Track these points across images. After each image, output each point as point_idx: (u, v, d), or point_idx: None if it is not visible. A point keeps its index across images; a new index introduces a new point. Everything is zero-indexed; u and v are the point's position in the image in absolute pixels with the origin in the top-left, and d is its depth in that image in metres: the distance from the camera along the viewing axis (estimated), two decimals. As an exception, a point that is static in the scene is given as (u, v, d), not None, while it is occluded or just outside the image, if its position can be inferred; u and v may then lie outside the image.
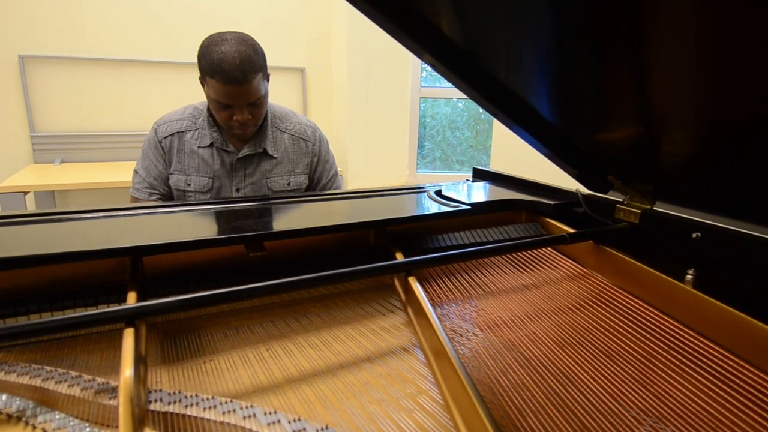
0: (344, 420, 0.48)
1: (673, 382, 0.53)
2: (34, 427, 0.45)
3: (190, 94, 2.42)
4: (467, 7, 0.63)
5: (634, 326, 0.63)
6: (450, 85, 0.76)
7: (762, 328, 0.53)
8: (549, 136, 0.83)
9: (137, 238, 0.68)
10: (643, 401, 0.50)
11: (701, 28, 0.47)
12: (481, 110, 2.76)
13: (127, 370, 0.44)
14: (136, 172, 1.34)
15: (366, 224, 0.79)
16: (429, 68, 2.25)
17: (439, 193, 0.99)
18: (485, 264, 0.81)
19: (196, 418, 0.45)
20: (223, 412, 0.45)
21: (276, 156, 1.36)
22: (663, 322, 0.63)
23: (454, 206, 0.89)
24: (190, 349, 0.59)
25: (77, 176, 2.44)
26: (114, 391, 0.47)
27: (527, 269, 0.80)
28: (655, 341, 0.60)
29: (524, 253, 0.83)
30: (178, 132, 1.31)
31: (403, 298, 0.71)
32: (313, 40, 3.27)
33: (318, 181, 1.46)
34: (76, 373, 0.50)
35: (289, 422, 0.44)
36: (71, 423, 0.45)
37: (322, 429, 0.44)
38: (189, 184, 1.31)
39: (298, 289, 0.69)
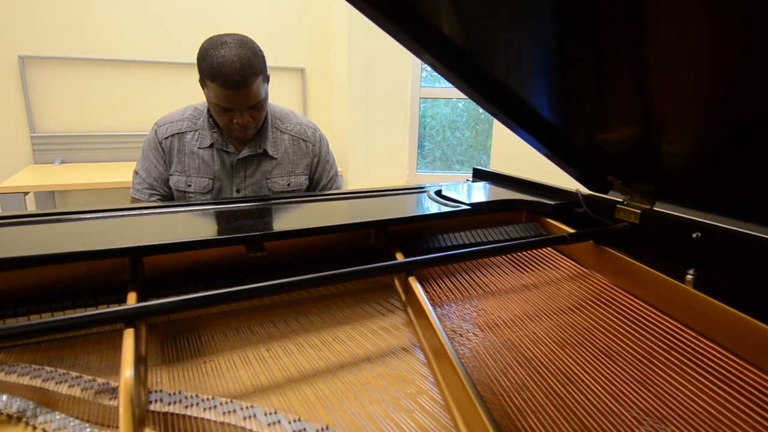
0: (344, 420, 0.48)
1: (673, 382, 0.53)
2: (35, 428, 0.45)
3: (190, 95, 2.43)
4: (467, 7, 0.63)
5: (634, 326, 0.63)
6: (450, 85, 0.76)
7: (762, 328, 0.53)
8: (549, 137, 0.83)
9: (137, 238, 0.68)
10: (643, 401, 0.50)
11: (701, 28, 0.47)
12: (481, 110, 2.76)
13: (128, 371, 0.44)
14: (136, 172, 1.34)
15: (367, 224, 0.79)
16: (429, 68, 2.25)
17: (439, 193, 0.99)
18: (485, 264, 0.81)
19: (196, 418, 0.45)
20: (224, 413, 0.45)
21: (276, 157, 1.36)
22: (663, 322, 0.63)
23: (454, 206, 0.89)
24: (190, 349, 0.59)
25: (77, 177, 2.44)
26: (114, 391, 0.47)
27: (527, 269, 0.80)
28: (656, 341, 0.60)
29: (524, 253, 0.83)
30: (178, 133, 1.31)
31: (404, 298, 0.71)
32: (313, 41, 3.27)
33: (318, 181, 1.46)
34: (77, 374, 0.50)
35: (290, 422, 0.44)
36: (71, 423, 0.45)
37: (322, 429, 0.44)
38: (189, 185, 1.31)
39: (298, 290, 0.69)
